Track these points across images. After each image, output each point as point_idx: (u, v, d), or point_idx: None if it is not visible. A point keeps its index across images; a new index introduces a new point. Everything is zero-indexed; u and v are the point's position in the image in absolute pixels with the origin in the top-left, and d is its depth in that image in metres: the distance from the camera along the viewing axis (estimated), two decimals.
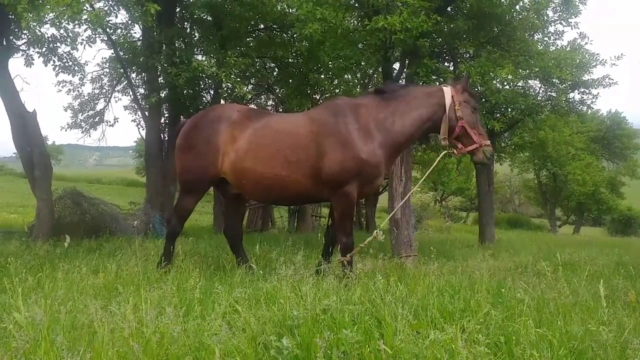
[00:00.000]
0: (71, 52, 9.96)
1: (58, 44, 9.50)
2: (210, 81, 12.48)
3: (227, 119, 5.56)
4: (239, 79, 11.45)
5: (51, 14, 6.78)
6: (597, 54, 14.81)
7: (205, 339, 2.91)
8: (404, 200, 7.12)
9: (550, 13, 11.22)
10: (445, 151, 5.70)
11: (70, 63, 10.12)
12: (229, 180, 5.60)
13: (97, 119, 14.66)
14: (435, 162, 6.51)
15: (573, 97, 16.01)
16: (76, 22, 7.34)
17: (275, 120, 5.59)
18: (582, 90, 15.82)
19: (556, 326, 3.23)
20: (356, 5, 9.45)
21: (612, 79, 15.28)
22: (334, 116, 5.24)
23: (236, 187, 5.66)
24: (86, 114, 14.60)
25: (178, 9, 12.30)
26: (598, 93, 15.89)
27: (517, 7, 9.77)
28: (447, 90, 5.38)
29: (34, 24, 6.90)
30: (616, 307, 4.28)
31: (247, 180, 5.45)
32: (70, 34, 9.03)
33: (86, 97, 14.47)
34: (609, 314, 3.71)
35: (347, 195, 5.15)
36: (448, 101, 5.32)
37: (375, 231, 5.12)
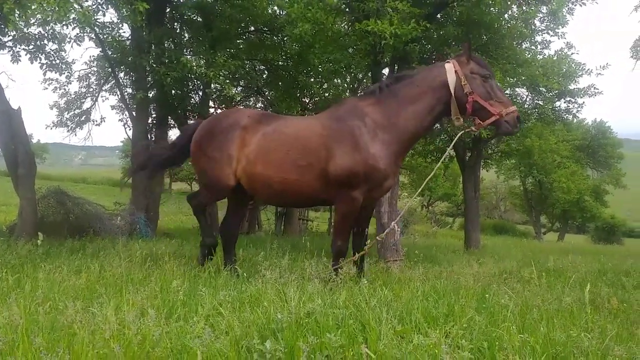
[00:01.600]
0: (58, 50, 9.84)
1: (45, 42, 9.39)
2: (198, 82, 12.42)
3: (239, 126, 5.56)
4: (227, 80, 11.40)
5: (38, 15, 6.69)
6: (583, 64, 15.08)
7: (188, 341, 2.87)
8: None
9: (537, 23, 11.37)
10: (462, 131, 5.33)
11: (58, 61, 10.00)
12: (243, 184, 5.58)
13: (83, 118, 14.50)
14: (455, 140, 5.96)
15: (559, 106, 16.25)
16: (64, 21, 7.25)
17: (285, 124, 5.53)
18: (568, 99, 16.06)
19: (539, 332, 3.25)
20: (347, 9, 9.47)
21: (597, 89, 15.54)
22: (343, 119, 5.17)
23: (249, 191, 5.67)
24: (72, 112, 14.43)
25: (168, 9, 12.23)
26: (584, 102, 16.16)
27: (506, 15, 9.88)
28: (449, 67, 5.00)
29: (21, 23, 6.80)
30: (599, 313, 4.33)
31: (259, 184, 5.45)
32: (57, 34, 8.93)
33: (73, 96, 14.31)
34: (592, 321, 3.74)
35: (352, 200, 5.06)
36: (452, 79, 4.95)
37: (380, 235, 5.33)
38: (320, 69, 13.14)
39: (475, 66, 5.01)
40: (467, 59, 5.03)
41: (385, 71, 10.56)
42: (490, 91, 4.94)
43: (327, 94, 15.66)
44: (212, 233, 5.96)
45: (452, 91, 4.96)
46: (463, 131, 5.38)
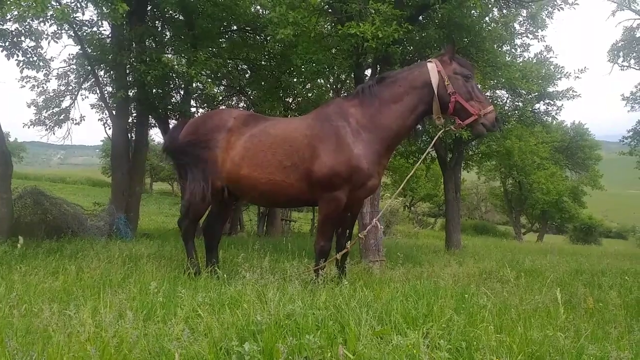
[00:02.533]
0: (36, 47, 9.65)
1: (22, 38, 9.19)
2: (180, 81, 12.32)
3: (225, 128, 5.54)
4: (209, 79, 11.30)
5: (15, 12, 6.56)
6: (562, 67, 15.38)
7: (166, 343, 2.84)
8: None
9: (517, 26, 11.54)
10: (442, 129, 5.37)
11: (35, 58, 9.80)
12: (228, 186, 5.56)
13: (62, 117, 14.28)
14: (435, 139, 5.97)
15: (538, 108, 16.50)
16: (41, 18, 7.12)
17: (271, 125, 5.53)
18: (548, 101, 16.33)
19: (516, 332, 3.29)
20: (329, 10, 9.48)
21: (575, 91, 15.83)
22: (328, 120, 5.17)
23: (235, 192, 5.64)
24: (51, 111, 14.21)
25: (149, 7, 12.10)
26: (562, 104, 16.45)
27: (487, 18, 10.00)
28: (432, 67, 5.05)
29: None
30: (575, 313, 4.40)
31: (245, 185, 5.44)
32: (34, 31, 8.76)
33: (51, 94, 14.08)
34: (567, 320, 3.80)
35: (336, 200, 5.07)
36: (435, 78, 4.99)
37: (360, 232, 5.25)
38: (303, 69, 13.08)
39: (458, 66, 5.07)
40: (450, 59, 5.09)
41: (368, 72, 10.61)
42: (471, 91, 5.01)
43: (310, 94, 15.66)
44: (198, 263, 5.78)
45: (435, 90, 5.00)
46: (442, 130, 5.42)
